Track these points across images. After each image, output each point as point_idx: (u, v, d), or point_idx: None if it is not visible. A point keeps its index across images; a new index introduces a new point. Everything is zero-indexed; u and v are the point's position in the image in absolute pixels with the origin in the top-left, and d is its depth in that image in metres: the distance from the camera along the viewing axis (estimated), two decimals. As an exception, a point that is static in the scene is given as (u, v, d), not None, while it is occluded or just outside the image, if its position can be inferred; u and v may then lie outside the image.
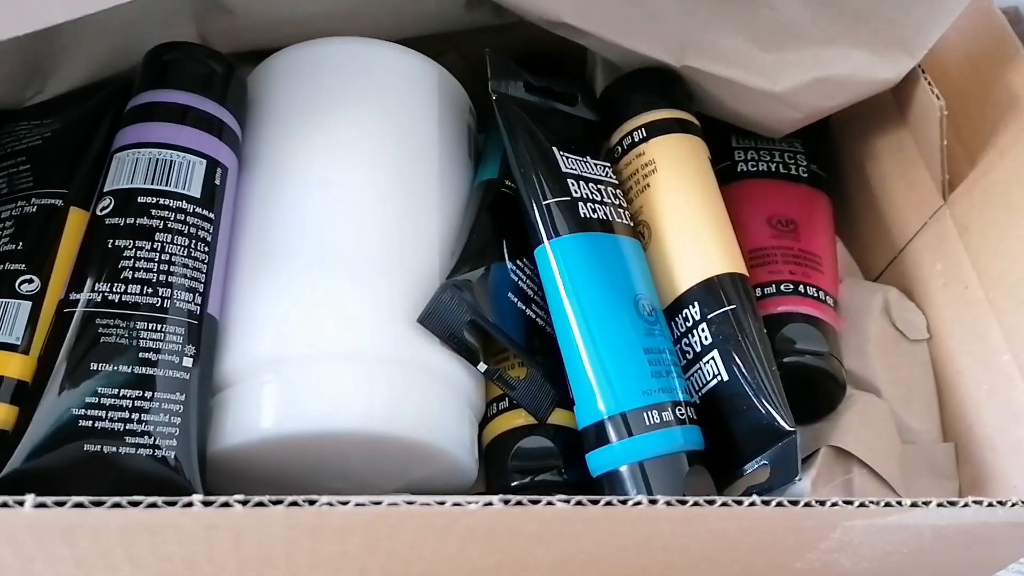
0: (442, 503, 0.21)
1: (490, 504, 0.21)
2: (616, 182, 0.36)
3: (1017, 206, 0.33)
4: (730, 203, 0.39)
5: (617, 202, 0.35)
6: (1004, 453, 0.33)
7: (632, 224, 0.36)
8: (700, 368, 0.33)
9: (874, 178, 0.42)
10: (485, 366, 0.32)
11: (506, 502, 0.21)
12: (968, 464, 0.35)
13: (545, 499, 0.21)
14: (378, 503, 0.20)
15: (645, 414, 0.30)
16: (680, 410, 0.31)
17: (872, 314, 0.38)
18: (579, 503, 0.21)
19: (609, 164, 0.37)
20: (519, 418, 0.33)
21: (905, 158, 0.39)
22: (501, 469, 0.33)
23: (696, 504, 0.22)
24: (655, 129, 0.37)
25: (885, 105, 0.40)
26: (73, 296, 0.29)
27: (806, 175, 0.40)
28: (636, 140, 0.37)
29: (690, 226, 0.35)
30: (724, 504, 0.22)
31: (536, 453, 0.33)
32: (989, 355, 0.34)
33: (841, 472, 0.32)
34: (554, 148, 0.35)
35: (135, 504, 0.19)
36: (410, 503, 0.21)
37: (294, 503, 0.20)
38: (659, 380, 0.31)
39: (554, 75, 0.41)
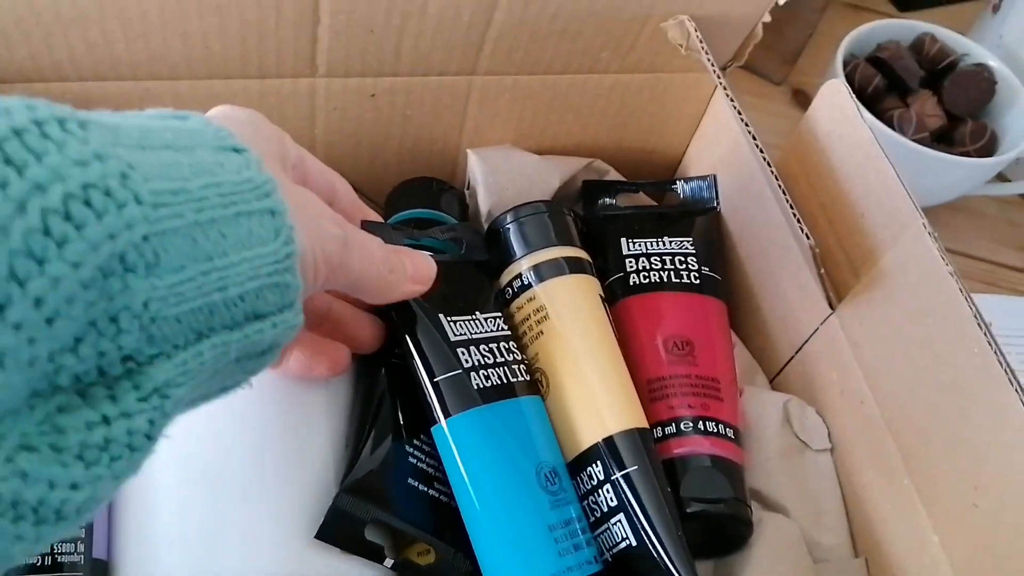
0: None
1: None
2: (508, 334, 0.36)
3: (900, 324, 0.34)
4: (627, 320, 0.39)
5: (511, 357, 0.35)
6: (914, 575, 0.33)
7: (528, 376, 0.35)
8: (609, 529, 0.33)
9: (765, 276, 0.41)
10: (392, 560, 0.31)
11: None
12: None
13: None
14: None
15: (555, 597, 0.30)
16: (590, 583, 0.31)
17: (773, 427, 0.38)
18: None
19: (499, 313, 0.36)
20: (439, 598, 0.33)
21: (794, 260, 0.39)
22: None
23: None
24: (544, 270, 0.37)
25: (768, 200, 0.39)
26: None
27: (698, 281, 0.40)
28: (525, 283, 0.37)
29: (585, 380, 0.34)
30: None
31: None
32: (891, 474, 0.34)
33: (757, 611, 0.33)
34: (440, 315, 0.34)
35: None
36: None
37: None
38: (566, 558, 0.31)
39: (438, 206, 0.41)
